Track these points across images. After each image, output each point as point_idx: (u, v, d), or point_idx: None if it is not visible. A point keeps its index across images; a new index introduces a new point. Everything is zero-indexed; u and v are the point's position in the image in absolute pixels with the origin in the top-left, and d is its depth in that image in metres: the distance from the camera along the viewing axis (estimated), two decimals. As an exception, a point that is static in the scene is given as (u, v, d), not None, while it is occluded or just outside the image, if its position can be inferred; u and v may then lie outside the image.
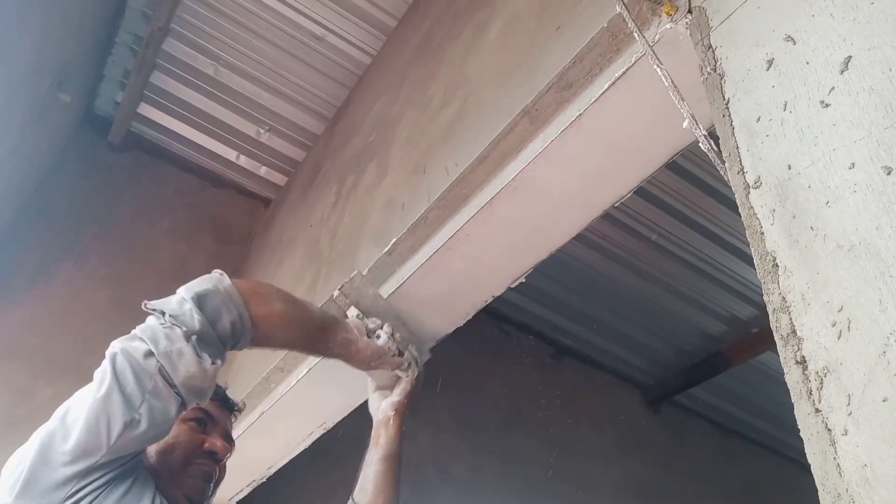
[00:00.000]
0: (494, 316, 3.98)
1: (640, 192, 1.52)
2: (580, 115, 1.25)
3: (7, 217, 2.86)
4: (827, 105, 0.74)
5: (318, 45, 3.02)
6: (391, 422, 1.56)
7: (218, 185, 3.60)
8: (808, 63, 0.78)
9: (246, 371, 2.35)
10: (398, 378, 1.59)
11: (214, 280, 1.18)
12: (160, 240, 3.29)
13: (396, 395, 1.58)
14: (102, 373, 1.05)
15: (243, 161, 3.53)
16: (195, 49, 3.07)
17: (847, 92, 0.72)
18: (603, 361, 4.47)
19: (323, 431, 2.18)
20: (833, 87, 0.74)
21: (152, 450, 1.24)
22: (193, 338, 1.09)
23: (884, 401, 0.59)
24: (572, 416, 4.22)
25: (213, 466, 1.33)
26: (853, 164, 0.69)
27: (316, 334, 1.39)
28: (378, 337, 1.53)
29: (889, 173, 0.65)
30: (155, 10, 2.85)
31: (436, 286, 1.71)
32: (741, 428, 4.93)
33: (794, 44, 0.81)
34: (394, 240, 1.66)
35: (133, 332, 1.09)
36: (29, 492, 0.99)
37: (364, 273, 1.69)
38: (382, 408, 1.58)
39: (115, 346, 1.07)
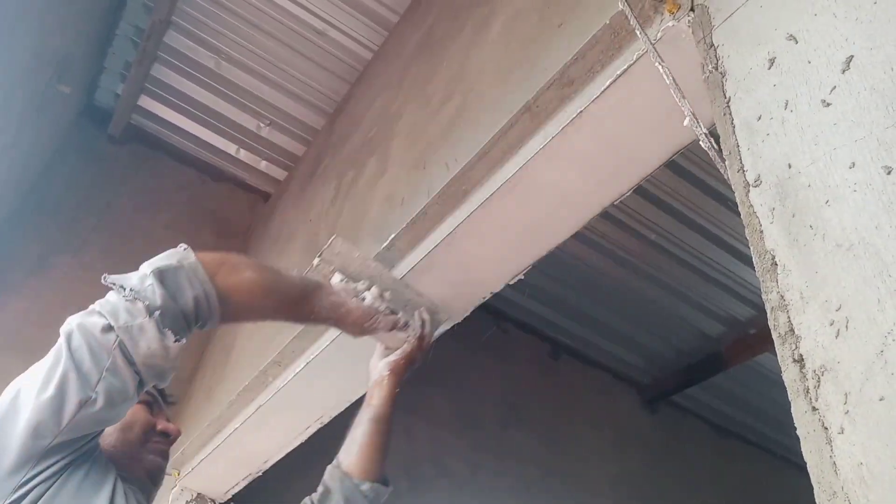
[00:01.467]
0: (492, 313, 3.98)
1: (639, 191, 1.52)
2: (581, 112, 1.25)
3: (6, 209, 2.86)
4: (828, 104, 0.74)
5: (320, 39, 3.01)
6: (385, 381, 1.52)
7: (218, 178, 3.60)
8: (809, 62, 0.78)
9: (243, 365, 2.35)
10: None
11: (178, 255, 1.16)
12: (159, 233, 3.28)
13: (395, 354, 1.54)
14: (57, 351, 1.00)
15: (243, 155, 3.53)
16: (196, 42, 3.06)
17: (848, 91, 0.72)
18: (600, 360, 4.48)
19: (320, 425, 2.19)
20: (834, 87, 0.74)
21: (111, 428, 1.22)
22: (156, 313, 1.05)
23: (881, 400, 0.59)
24: (569, 414, 4.23)
25: (167, 446, 1.33)
26: (853, 164, 0.69)
27: (297, 300, 1.35)
28: (364, 299, 1.47)
29: (889, 173, 0.65)
30: (156, 2, 2.85)
31: (434, 282, 1.71)
32: (738, 429, 4.94)
33: (796, 43, 0.80)
34: (393, 235, 1.66)
35: (91, 306, 1.05)
36: None
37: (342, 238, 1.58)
38: (379, 367, 1.55)
39: (72, 321, 1.02)
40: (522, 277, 1.68)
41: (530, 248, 1.61)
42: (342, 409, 2.09)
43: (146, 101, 3.31)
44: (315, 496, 1.46)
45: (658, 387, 4.60)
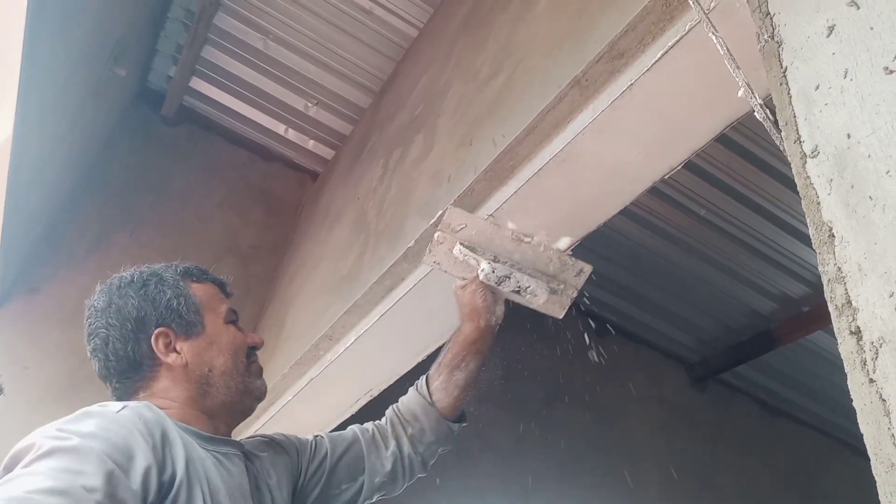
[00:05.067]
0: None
1: (688, 166, 1.49)
2: (631, 85, 1.24)
3: (67, 189, 2.97)
4: (891, 72, 0.72)
5: (366, 18, 3.02)
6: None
7: (267, 158, 3.66)
8: (871, 28, 0.76)
9: (296, 338, 2.41)
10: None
11: None
12: (212, 211, 3.37)
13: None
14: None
15: (291, 135, 3.58)
16: (245, 23, 3.11)
17: (913, 58, 0.70)
18: (648, 338, 4.44)
19: (370, 398, 2.24)
20: (898, 53, 0.71)
21: (219, 361, 1.16)
22: None
23: (941, 372, 0.58)
24: (617, 392, 4.21)
25: (258, 359, 1.27)
26: (917, 133, 0.67)
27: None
28: (483, 270, 1.39)
29: (955, 141, 0.63)
30: (206, -16, 2.90)
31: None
32: (788, 408, 4.85)
33: (858, 8, 0.78)
34: (440, 212, 1.68)
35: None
36: None
37: (451, 205, 1.47)
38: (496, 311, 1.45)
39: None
40: (570, 255, 1.68)
41: (578, 224, 1.61)
42: (392, 382, 2.13)
43: (197, 83, 3.38)
44: (407, 430, 1.39)
45: (707, 365, 4.54)
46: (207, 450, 1.07)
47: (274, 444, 1.29)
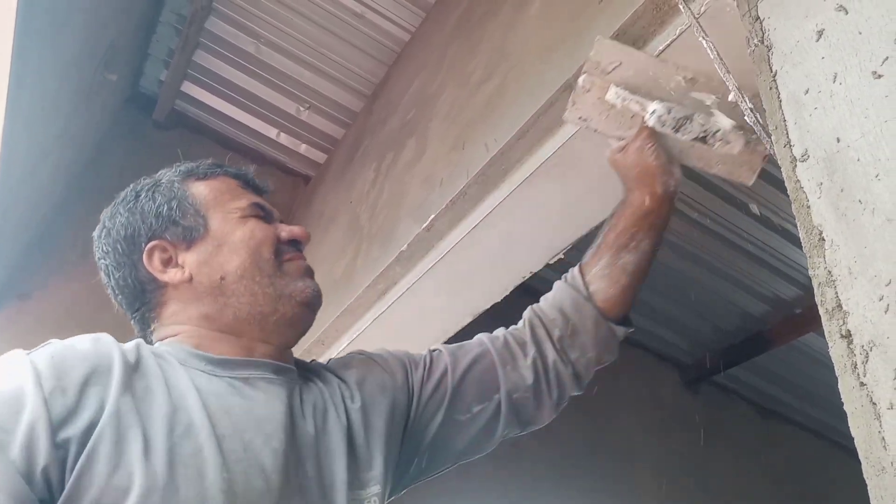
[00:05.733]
0: (531, 293, 3.97)
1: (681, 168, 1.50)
2: (622, 89, 1.24)
3: (58, 194, 2.96)
4: (879, 76, 0.72)
5: (358, 22, 3.02)
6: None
7: (259, 162, 3.65)
8: (860, 33, 0.76)
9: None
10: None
11: None
12: (204, 216, 3.36)
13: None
14: None
15: (284, 139, 3.57)
16: (237, 28, 3.10)
17: (901, 62, 0.70)
18: (642, 340, 4.45)
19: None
20: (887, 58, 0.72)
21: (232, 263, 0.94)
22: None
23: (931, 375, 0.58)
24: (611, 395, 4.21)
25: (304, 257, 1.03)
26: (905, 136, 0.67)
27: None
28: (654, 114, 1.08)
29: (943, 145, 0.63)
30: (197, -11, 2.89)
31: (474, 262, 1.72)
32: (782, 409, 4.87)
33: (846, 13, 0.79)
34: (432, 216, 1.68)
35: None
36: None
37: (602, 37, 1.14)
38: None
39: None
40: (563, 257, 1.68)
41: (571, 227, 1.61)
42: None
43: (189, 87, 3.37)
44: (557, 332, 1.10)
45: (700, 367, 4.55)
46: (219, 376, 0.88)
47: (368, 362, 1.05)
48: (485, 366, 1.08)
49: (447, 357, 1.08)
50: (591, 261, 1.13)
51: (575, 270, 1.15)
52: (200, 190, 1.01)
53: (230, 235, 0.96)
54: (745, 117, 0.95)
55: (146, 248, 0.96)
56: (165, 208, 0.97)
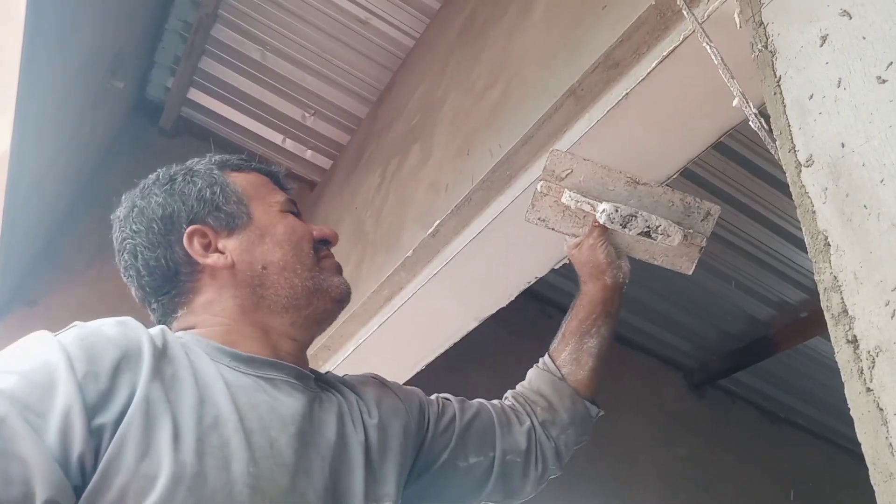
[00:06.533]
0: (537, 298, 3.97)
1: (684, 173, 1.50)
2: (626, 94, 1.24)
3: (66, 202, 2.97)
4: (884, 81, 0.72)
5: (362, 28, 3.03)
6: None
7: (264, 168, 3.67)
8: (864, 38, 0.76)
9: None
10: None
11: None
12: (210, 222, 3.37)
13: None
14: None
15: (289, 145, 3.59)
16: (242, 35, 3.12)
17: (905, 67, 0.70)
18: (646, 344, 4.44)
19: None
20: (891, 63, 0.72)
21: (275, 254, 0.94)
22: None
23: (938, 380, 0.58)
24: (615, 399, 4.19)
25: (333, 256, 1.05)
26: (910, 142, 0.67)
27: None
28: (604, 214, 1.20)
29: (948, 150, 0.64)
30: (203, -4, 2.91)
31: (479, 267, 1.72)
32: (788, 413, 4.85)
33: (850, 18, 0.79)
34: (437, 221, 1.68)
35: None
36: None
37: (556, 148, 1.31)
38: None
39: None
40: (567, 262, 1.68)
41: (576, 232, 1.61)
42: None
43: (195, 94, 3.39)
44: (536, 410, 1.18)
45: (705, 371, 4.53)
46: (245, 372, 0.86)
47: (382, 385, 1.07)
48: (485, 422, 1.13)
49: (455, 404, 1.14)
50: (558, 347, 1.25)
51: (545, 358, 1.26)
52: (239, 180, 1.01)
53: (273, 227, 0.97)
54: (751, 123, 0.95)
55: (187, 231, 0.94)
56: (208, 192, 0.97)
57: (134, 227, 0.97)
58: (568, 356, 1.22)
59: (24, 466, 0.64)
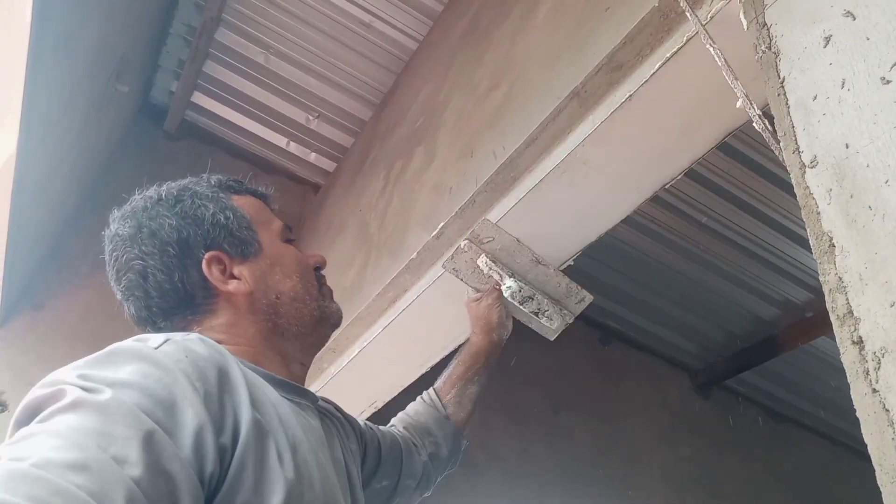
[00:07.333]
0: (541, 299, 3.97)
1: (689, 173, 1.50)
2: (630, 96, 1.24)
3: (71, 206, 2.99)
4: (888, 82, 0.72)
5: (366, 31, 3.04)
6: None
7: (269, 171, 3.67)
8: (868, 39, 0.76)
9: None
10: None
11: None
12: (214, 225, 3.37)
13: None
14: None
15: (293, 148, 3.59)
16: (246, 38, 3.13)
17: (909, 68, 0.70)
18: (651, 345, 4.43)
19: (374, 410, 2.24)
20: (895, 63, 0.72)
21: (286, 285, 0.98)
22: None
23: (944, 381, 0.58)
24: (620, 400, 4.20)
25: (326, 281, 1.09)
26: (914, 142, 0.67)
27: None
28: (506, 286, 1.49)
29: (952, 151, 0.63)
30: (207, 0, 2.92)
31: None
32: (794, 413, 4.83)
33: (854, 19, 0.79)
34: (442, 223, 1.68)
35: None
36: None
37: (486, 218, 1.53)
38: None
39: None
40: (572, 263, 1.68)
41: (579, 233, 1.62)
42: (395, 394, 2.13)
43: (199, 98, 3.40)
44: (426, 443, 1.31)
45: (711, 371, 4.52)
46: (282, 396, 0.87)
47: (341, 411, 1.12)
48: (396, 452, 1.24)
49: (378, 433, 1.23)
50: (444, 388, 1.40)
51: (432, 393, 1.40)
52: (243, 204, 1.02)
53: (281, 257, 1.00)
54: (755, 124, 0.95)
55: (206, 256, 0.94)
56: (222, 218, 0.97)
57: (144, 248, 0.94)
58: (453, 398, 1.38)
59: (170, 482, 0.63)
